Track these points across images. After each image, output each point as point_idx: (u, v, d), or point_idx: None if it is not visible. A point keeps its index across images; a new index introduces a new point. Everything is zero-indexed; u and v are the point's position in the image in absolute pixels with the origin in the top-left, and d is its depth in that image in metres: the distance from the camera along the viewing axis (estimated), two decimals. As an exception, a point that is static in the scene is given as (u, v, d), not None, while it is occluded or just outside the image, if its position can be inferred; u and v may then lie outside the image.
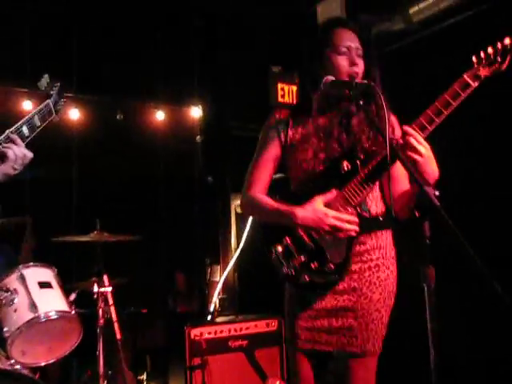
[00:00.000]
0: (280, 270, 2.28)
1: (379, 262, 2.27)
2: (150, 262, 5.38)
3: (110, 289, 3.57)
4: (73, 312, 3.07)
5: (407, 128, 2.05)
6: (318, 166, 2.29)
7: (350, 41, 2.27)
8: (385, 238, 2.31)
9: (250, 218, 5.21)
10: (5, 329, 2.89)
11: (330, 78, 2.18)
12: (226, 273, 5.38)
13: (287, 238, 2.28)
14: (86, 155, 5.12)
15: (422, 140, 2.03)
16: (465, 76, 2.01)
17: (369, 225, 2.24)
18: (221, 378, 4.01)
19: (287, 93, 5.85)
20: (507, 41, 1.98)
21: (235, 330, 4.29)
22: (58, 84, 2.42)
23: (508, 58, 1.99)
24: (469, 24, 3.97)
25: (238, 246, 5.37)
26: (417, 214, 1.95)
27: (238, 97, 5.64)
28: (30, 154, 2.15)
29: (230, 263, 5.47)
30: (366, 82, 2.13)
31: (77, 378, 3.69)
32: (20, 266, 3.09)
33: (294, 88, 5.88)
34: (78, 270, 3.97)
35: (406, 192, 2.23)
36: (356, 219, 2.17)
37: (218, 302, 5.02)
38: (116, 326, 3.54)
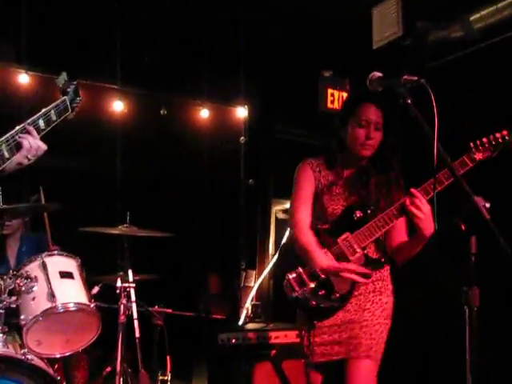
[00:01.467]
0: (290, 294, 2.62)
1: (381, 290, 2.71)
2: (182, 261, 5.27)
3: (133, 285, 3.47)
4: (92, 305, 2.97)
5: (414, 190, 2.45)
6: (338, 211, 2.70)
7: (370, 115, 2.64)
8: (386, 275, 2.75)
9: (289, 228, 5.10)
10: (21, 316, 2.82)
11: (377, 74, 2.25)
12: (261, 279, 5.25)
13: (300, 268, 2.62)
14: (128, 148, 5.06)
15: (424, 201, 2.43)
16: (465, 157, 2.50)
17: (372, 264, 2.64)
18: (244, 386, 3.91)
19: (337, 99, 5.66)
20: (497, 135, 2.49)
21: (264, 338, 4.18)
22: (75, 83, 2.52)
23: (498, 149, 2.50)
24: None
25: (275, 253, 5.23)
26: (463, 228, 1.86)
27: (285, 100, 5.50)
28: (43, 146, 2.24)
29: (265, 269, 5.34)
30: (415, 78, 2.01)
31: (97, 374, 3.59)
32: (43, 254, 3.01)
33: (345, 94, 5.69)
34: (103, 263, 3.88)
35: (404, 242, 2.70)
36: (358, 269, 2.56)
37: (250, 308, 4.90)
38: (136, 323, 3.42)
